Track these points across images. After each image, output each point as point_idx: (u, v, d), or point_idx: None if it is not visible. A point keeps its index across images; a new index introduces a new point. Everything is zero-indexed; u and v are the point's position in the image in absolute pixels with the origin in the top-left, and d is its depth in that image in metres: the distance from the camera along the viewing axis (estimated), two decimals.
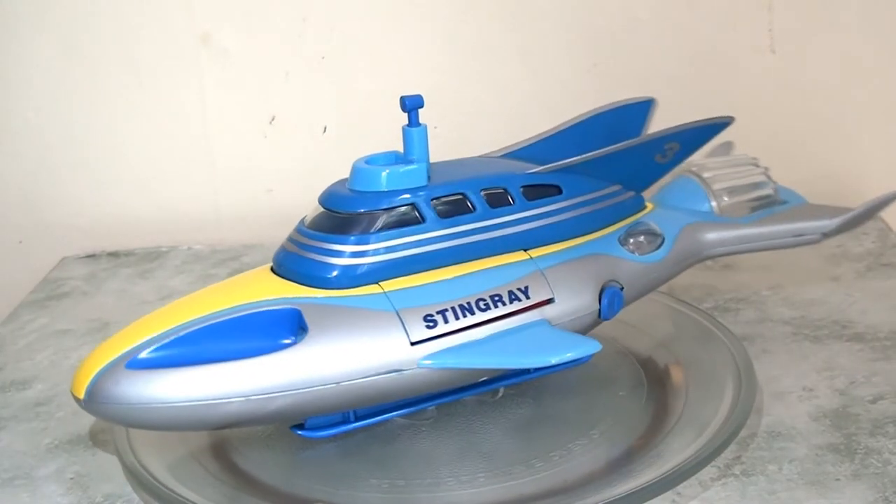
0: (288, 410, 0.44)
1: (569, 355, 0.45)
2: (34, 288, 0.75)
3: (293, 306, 0.44)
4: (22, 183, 0.81)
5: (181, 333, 0.43)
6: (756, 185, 0.58)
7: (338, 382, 0.43)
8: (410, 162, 0.47)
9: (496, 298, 0.46)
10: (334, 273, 0.45)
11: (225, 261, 0.77)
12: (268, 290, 0.45)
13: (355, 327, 0.44)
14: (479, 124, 0.78)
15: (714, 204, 0.56)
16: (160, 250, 0.80)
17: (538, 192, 0.49)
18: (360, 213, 0.46)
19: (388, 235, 0.46)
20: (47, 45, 0.78)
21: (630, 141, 0.51)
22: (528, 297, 0.47)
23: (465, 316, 0.45)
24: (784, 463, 0.47)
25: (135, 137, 0.80)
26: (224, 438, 0.51)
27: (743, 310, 0.63)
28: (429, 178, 0.47)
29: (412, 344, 0.44)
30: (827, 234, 0.56)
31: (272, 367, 0.42)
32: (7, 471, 0.51)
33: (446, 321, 0.45)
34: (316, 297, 0.44)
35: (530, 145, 0.54)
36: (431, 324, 0.45)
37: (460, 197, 0.47)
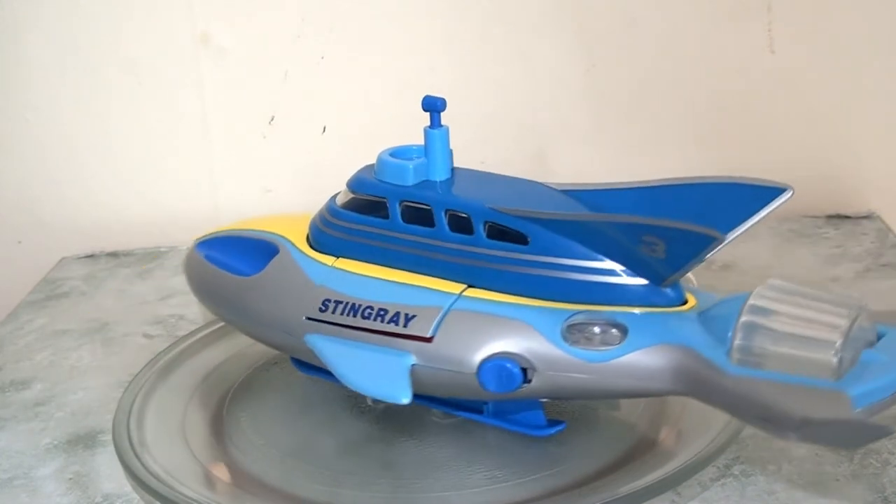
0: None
1: (373, 392, 0.45)
2: (33, 288, 0.75)
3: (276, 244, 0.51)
4: (21, 183, 0.81)
5: (224, 235, 0.54)
6: (811, 344, 0.39)
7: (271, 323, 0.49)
8: (409, 159, 0.48)
9: (380, 312, 0.46)
10: (311, 233, 0.50)
11: None
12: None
13: (292, 283, 0.48)
14: (478, 124, 0.78)
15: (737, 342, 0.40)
16: (159, 250, 0.80)
17: (501, 233, 0.45)
18: (351, 194, 0.49)
19: (352, 217, 0.48)
20: (46, 45, 0.78)
21: (598, 215, 0.45)
22: (405, 326, 0.45)
23: (348, 315, 0.46)
24: (783, 463, 0.47)
25: (134, 137, 0.80)
26: (224, 439, 0.51)
27: None
28: (421, 179, 0.48)
29: (306, 318, 0.47)
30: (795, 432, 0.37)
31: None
32: (6, 471, 0.51)
33: (333, 312, 0.46)
34: (293, 247, 0.50)
35: (615, 190, 0.47)
36: (324, 308, 0.47)
37: (426, 209, 0.47)
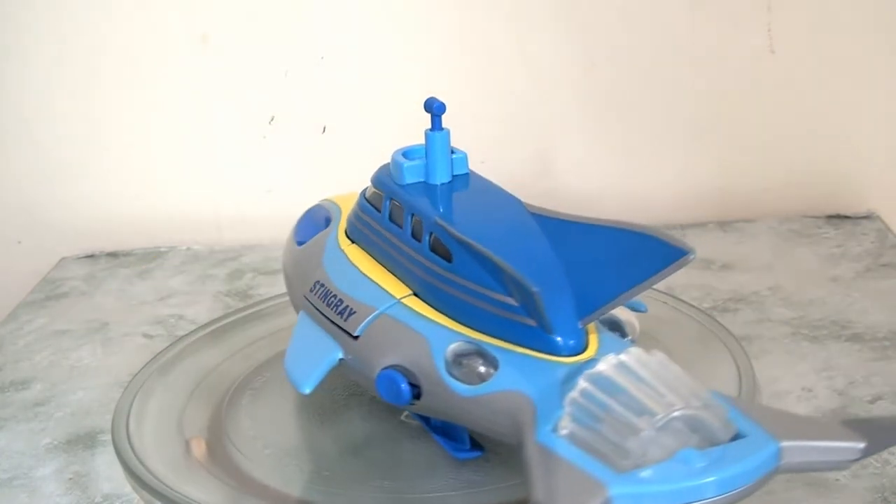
0: None
1: (289, 374, 0.45)
2: (33, 288, 0.75)
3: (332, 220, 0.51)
4: (21, 183, 0.81)
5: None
6: (620, 426, 0.34)
7: None
8: (413, 159, 0.48)
9: (338, 302, 0.46)
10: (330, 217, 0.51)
11: (224, 261, 0.77)
12: None
13: (310, 259, 0.49)
14: (479, 124, 0.78)
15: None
16: (159, 251, 0.80)
17: (438, 247, 0.44)
18: (370, 185, 0.50)
19: (364, 207, 0.49)
20: (46, 45, 0.78)
21: (485, 250, 0.42)
22: (345, 320, 0.45)
23: (321, 299, 0.47)
24: None
25: (133, 138, 0.80)
26: (224, 439, 0.51)
27: (742, 310, 0.63)
28: (418, 180, 0.48)
29: (303, 295, 0.48)
30: None
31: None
32: (6, 471, 0.51)
33: (316, 294, 0.47)
34: (336, 225, 0.51)
35: (562, 221, 0.45)
36: (312, 288, 0.48)
37: (399, 209, 0.47)
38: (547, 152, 0.79)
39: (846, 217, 0.76)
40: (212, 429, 0.52)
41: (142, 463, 0.47)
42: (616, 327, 0.44)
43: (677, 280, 0.57)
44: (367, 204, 0.49)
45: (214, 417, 0.53)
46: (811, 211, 0.77)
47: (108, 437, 0.51)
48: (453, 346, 0.42)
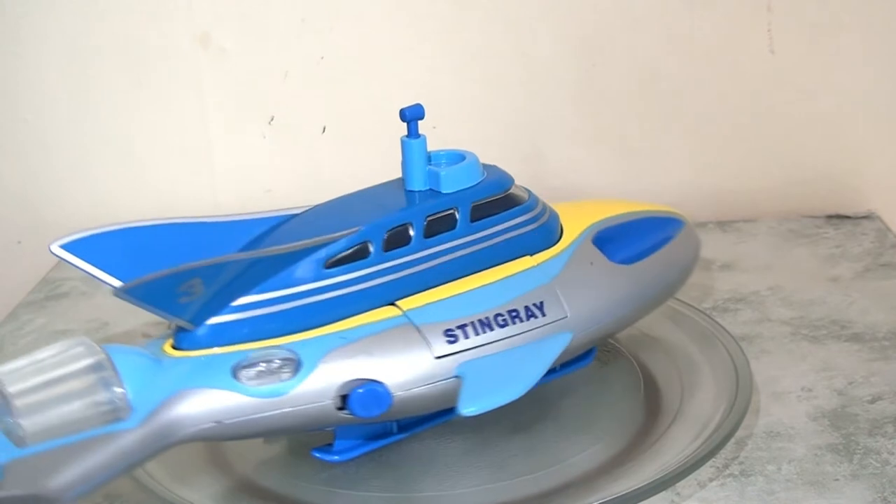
0: None
1: None
2: (33, 288, 0.75)
3: None
4: (21, 183, 0.81)
5: None
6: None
7: None
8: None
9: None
10: None
11: None
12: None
13: None
14: (478, 124, 0.78)
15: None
16: None
17: None
18: None
19: None
20: (46, 45, 0.78)
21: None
22: None
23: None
24: (783, 463, 0.47)
25: (133, 138, 0.80)
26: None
27: (742, 310, 0.63)
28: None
29: None
30: None
31: None
32: None
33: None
34: None
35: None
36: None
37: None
38: (547, 152, 0.79)
39: (846, 217, 0.76)
40: None
41: None
42: None
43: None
44: None
45: None
46: (811, 211, 0.77)
47: None
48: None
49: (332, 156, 0.80)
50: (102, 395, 0.39)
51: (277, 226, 0.47)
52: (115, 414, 0.40)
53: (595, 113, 0.78)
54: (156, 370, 0.42)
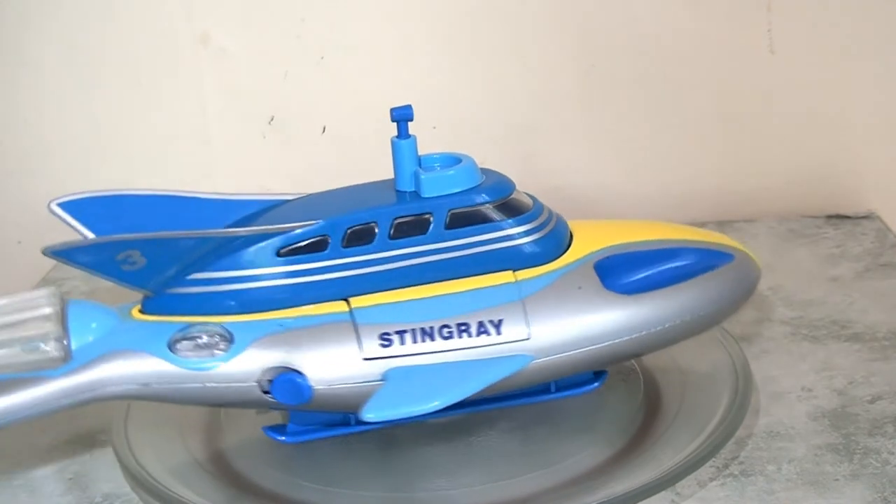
0: None
1: None
2: (33, 288, 0.75)
3: None
4: (21, 183, 0.81)
5: None
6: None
7: None
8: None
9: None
10: None
11: None
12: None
13: None
14: (478, 124, 0.78)
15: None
16: None
17: None
18: None
19: None
20: (46, 45, 0.78)
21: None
22: None
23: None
24: (783, 463, 0.47)
25: (134, 138, 0.80)
26: (222, 438, 0.51)
27: (741, 310, 0.63)
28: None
29: None
30: None
31: None
32: (6, 471, 0.51)
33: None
34: None
35: None
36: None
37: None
38: (547, 152, 0.79)
39: (846, 217, 0.76)
40: (210, 428, 0.52)
41: (140, 463, 0.47)
42: None
43: None
44: None
45: (213, 417, 0.53)
46: (811, 211, 0.77)
47: (108, 437, 0.51)
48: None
49: (332, 156, 0.80)
50: (41, 344, 0.43)
51: (269, 208, 0.48)
52: (49, 363, 0.42)
53: (595, 113, 0.78)
54: (111, 328, 0.44)
